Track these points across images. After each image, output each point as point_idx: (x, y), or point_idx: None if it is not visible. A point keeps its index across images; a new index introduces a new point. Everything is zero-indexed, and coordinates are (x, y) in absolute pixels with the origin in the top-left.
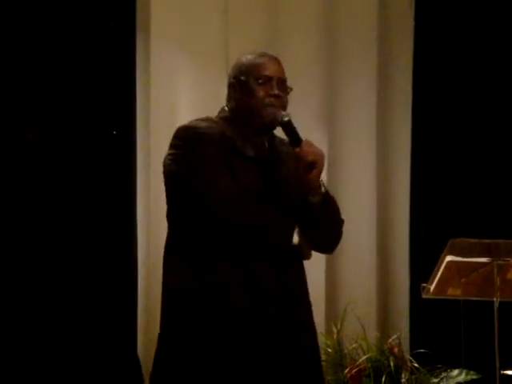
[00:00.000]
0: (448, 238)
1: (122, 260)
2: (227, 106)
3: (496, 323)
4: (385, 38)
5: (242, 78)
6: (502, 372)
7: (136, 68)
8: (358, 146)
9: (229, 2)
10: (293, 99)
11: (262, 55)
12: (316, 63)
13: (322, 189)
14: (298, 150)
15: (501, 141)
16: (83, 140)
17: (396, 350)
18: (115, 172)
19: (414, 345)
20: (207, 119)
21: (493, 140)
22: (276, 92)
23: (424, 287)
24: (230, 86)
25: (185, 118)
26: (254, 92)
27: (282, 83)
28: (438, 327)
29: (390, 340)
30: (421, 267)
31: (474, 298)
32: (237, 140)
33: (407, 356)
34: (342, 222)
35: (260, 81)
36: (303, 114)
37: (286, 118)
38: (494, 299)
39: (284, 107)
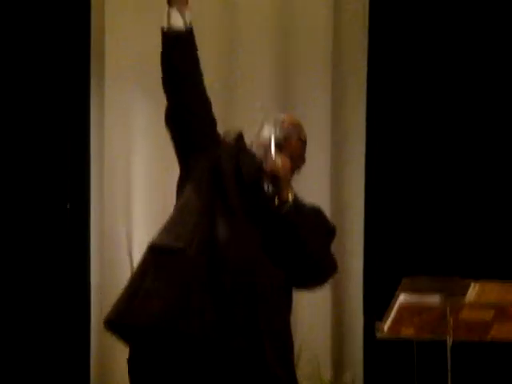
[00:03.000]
0: (402, 276)
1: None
2: None
3: (449, 363)
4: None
5: (257, 139)
6: None
7: (90, 107)
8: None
9: None
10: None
11: (280, 116)
12: (271, 75)
13: (289, 198)
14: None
15: (463, 163)
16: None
17: None
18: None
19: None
20: None
21: (452, 170)
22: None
23: (378, 326)
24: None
25: (140, 157)
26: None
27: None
28: (392, 366)
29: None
30: (375, 305)
31: (427, 338)
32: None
33: None
34: (323, 248)
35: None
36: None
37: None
38: (447, 339)
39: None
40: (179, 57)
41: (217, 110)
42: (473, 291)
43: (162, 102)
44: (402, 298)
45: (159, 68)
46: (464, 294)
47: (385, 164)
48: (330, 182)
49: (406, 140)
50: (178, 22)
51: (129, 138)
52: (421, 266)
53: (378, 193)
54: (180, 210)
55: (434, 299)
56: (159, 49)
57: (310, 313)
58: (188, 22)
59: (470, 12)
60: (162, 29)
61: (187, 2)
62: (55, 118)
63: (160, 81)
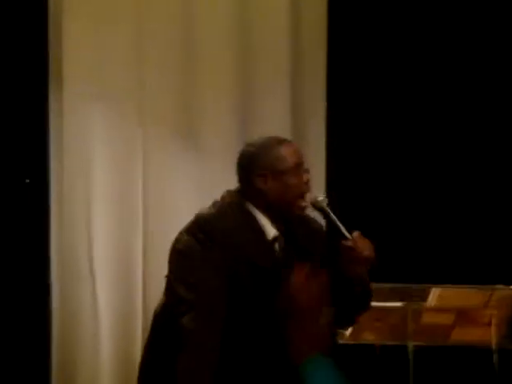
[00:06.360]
0: None
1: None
2: (240, 192)
3: (411, 367)
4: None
5: (275, 169)
6: None
7: (49, 117)
8: None
9: (144, 48)
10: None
11: (284, 143)
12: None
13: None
14: (349, 243)
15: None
16: None
17: None
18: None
19: None
20: (228, 214)
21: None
22: (307, 178)
23: (340, 332)
24: (259, 176)
25: (99, 166)
26: (288, 182)
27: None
28: (355, 371)
29: None
30: None
31: (389, 343)
32: (251, 249)
33: None
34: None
35: (293, 170)
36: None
37: (324, 204)
38: (408, 343)
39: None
40: None
41: (177, 112)
42: (433, 296)
43: (120, 111)
44: None
45: (118, 79)
46: (424, 299)
47: (344, 167)
48: None
49: (366, 150)
50: None
51: (88, 149)
52: (381, 272)
53: (339, 194)
54: None
55: (394, 304)
56: (117, 61)
57: None
58: None
59: (429, 18)
60: None
61: None
62: (14, 127)
63: (119, 90)
